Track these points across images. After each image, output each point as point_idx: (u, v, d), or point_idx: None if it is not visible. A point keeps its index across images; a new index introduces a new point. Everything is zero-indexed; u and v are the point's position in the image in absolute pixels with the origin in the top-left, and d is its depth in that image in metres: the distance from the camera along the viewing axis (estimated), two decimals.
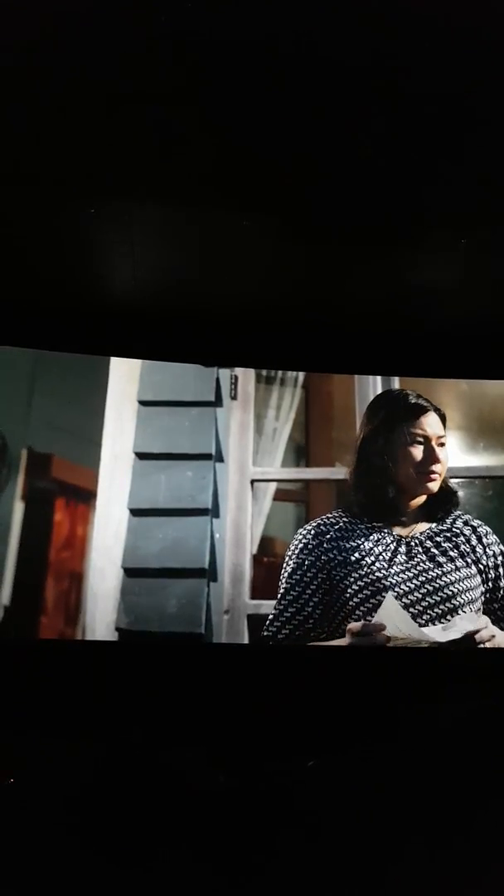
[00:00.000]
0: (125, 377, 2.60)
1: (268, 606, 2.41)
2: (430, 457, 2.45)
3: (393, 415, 2.53)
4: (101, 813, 1.84)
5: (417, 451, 2.46)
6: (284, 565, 2.39)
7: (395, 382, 2.72)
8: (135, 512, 2.48)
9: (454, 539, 2.44)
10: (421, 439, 2.47)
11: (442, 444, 2.49)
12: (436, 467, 2.46)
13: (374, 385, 2.71)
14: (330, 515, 2.47)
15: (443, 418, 2.53)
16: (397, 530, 2.45)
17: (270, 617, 2.33)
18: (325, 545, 2.39)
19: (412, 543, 2.43)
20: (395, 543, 2.42)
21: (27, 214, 2.19)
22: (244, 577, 2.48)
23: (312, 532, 2.42)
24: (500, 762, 1.95)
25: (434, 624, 2.32)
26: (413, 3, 1.53)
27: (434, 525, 2.46)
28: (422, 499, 2.46)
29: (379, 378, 2.72)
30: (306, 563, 2.37)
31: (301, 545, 2.39)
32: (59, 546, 2.43)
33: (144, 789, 1.90)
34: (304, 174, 2.02)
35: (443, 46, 1.63)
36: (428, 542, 2.43)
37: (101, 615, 2.37)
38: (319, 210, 2.16)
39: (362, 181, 2.03)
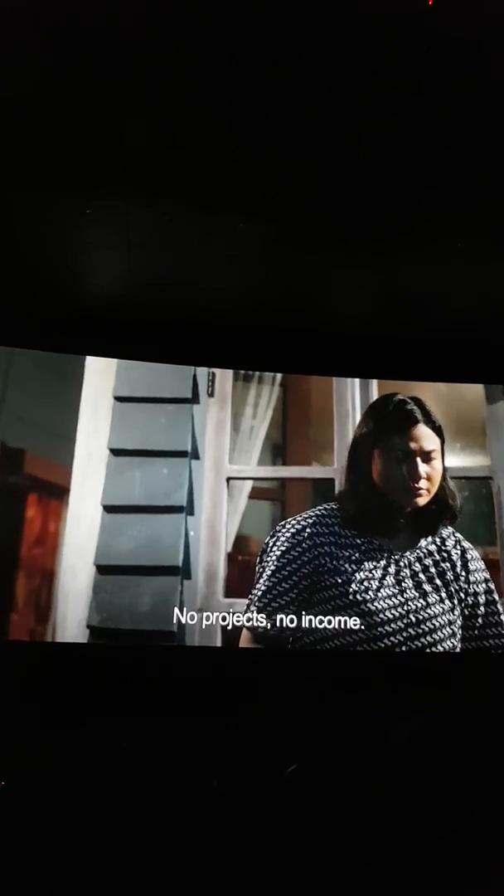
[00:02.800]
0: (101, 373, 2.58)
1: (241, 605, 2.40)
2: (414, 473, 2.42)
3: (382, 426, 2.51)
4: (80, 815, 1.80)
5: (403, 467, 2.44)
6: (270, 548, 2.39)
7: (374, 383, 2.72)
8: (108, 509, 2.45)
9: (442, 564, 2.43)
10: (404, 454, 2.44)
11: (431, 458, 2.44)
12: (421, 483, 2.42)
13: (353, 385, 2.71)
14: (325, 511, 2.46)
15: (437, 430, 2.49)
16: (389, 544, 2.44)
17: (252, 597, 2.35)
18: (318, 548, 2.40)
19: (402, 565, 2.41)
20: (384, 563, 2.40)
21: (21, 214, 2.16)
22: (218, 576, 2.46)
23: (308, 531, 2.42)
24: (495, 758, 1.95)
25: (410, 645, 2.33)
26: (412, 4, 1.53)
27: (426, 543, 2.45)
28: (415, 510, 2.45)
29: (357, 379, 2.72)
30: (297, 562, 2.38)
31: (293, 542, 2.39)
32: (30, 543, 2.39)
33: (146, 792, 1.86)
34: (299, 177, 2.01)
35: (442, 47, 1.63)
36: (417, 564, 2.42)
37: (72, 613, 2.34)
38: (304, 213, 2.14)
39: (351, 184, 2.02)
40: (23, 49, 1.63)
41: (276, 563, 2.38)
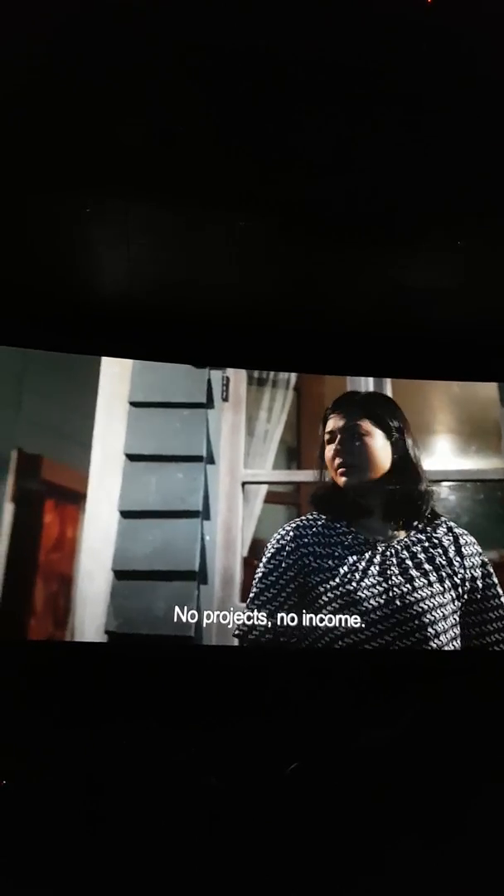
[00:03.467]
0: (116, 378, 2.59)
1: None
2: (334, 451, 2.46)
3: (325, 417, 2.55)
4: (92, 814, 1.82)
5: (329, 449, 2.48)
6: (261, 565, 2.41)
7: (388, 384, 2.72)
8: (125, 514, 2.46)
9: (431, 550, 2.43)
10: (328, 436, 2.49)
11: (354, 436, 2.45)
12: (340, 460, 2.44)
13: (367, 387, 2.70)
14: (308, 517, 2.48)
15: (365, 405, 2.51)
16: (373, 536, 2.44)
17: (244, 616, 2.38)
18: (301, 549, 2.41)
19: (388, 554, 2.41)
20: (369, 553, 2.41)
21: (20, 213, 2.18)
22: (234, 580, 2.47)
23: (291, 534, 2.44)
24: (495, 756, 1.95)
25: (404, 641, 2.33)
26: (412, 4, 1.53)
27: (413, 532, 2.45)
28: (378, 498, 2.45)
29: (371, 381, 2.72)
30: (283, 565, 2.40)
31: (278, 546, 2.42)
32: (48, 548, 2.41)
33: (136, 790, 1.88)
34: (300, 174, 2.01)
35: (442, 47, 1.62)
36: (405, 552, 2.42)
37: (90, 618, 2.35)
38: (313, 211, 2.15)
39: (357, 182, 2.03)
40: (23, 49, 1.64)
41: (262, 568, 2.41)
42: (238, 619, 2.40)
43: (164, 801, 1.78)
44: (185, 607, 2.39)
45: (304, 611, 2.39)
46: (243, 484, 2.58)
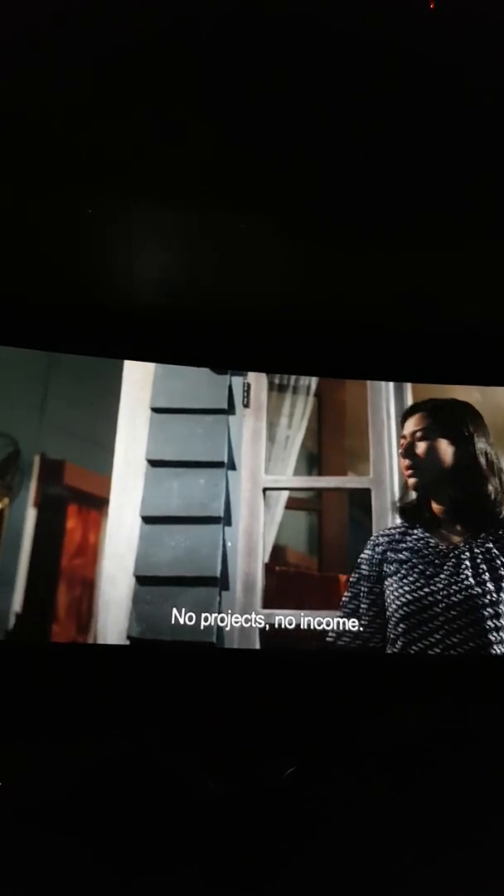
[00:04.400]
0: (138, 383, 2.60)
1: (280, 616, 2.42)
2: (403, 454, 2.55)
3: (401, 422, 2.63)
4: (106, 818, 1.83)
5: (401, 453, 2.57)
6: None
7: (408, 389, 2.72)
8: (147, 519, 2.47)
9: (499, 555, 2.44)
10: (401, 440, 2.58)
11: (416, 438, 2.53)
12: (407, 461, 2.53)
13: (387, 393, 2.70)
14: (392, 527, 2.54)
15: (433, 410, 2.57)
16: (444, 541, 2.46)
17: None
18: (376, 556, 2.46)
19: (461, 556, 2.43)
20: (436, 556, 2.43)
21: (38, 216, 2.19)
22: (256, 586, 2.47)
23: (372, 543, 2.50)
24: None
25: (468, 645, 2.33)
26: (415, 2, 1.53)
27: (484, 536, 2.47)
28: (448, 503, 2.48)
29: (392, 386, 2.71)
30: (361, 571, 2.47)
31: (363, 556, 2.49)
32: (71, 553, 2.42)
33: (151, 795, 1.89)
34: (308, 174, 2.02)
35: (444, 47, 1.62)
36: (472, 556, 2.43)
37: (112, 623, 2.36)
38: (328, 210, 2.15)
39: (370, 181, 2.02)
40: (23, 48, 1.65)
41: (351, 577, 2.48)
42: (259, 623, 2.41)
43: (178, 806, 1.79)
44: (207, 613, 2.39)
45: (373, 618, 2.43)
46: (264, 490, 2.59)
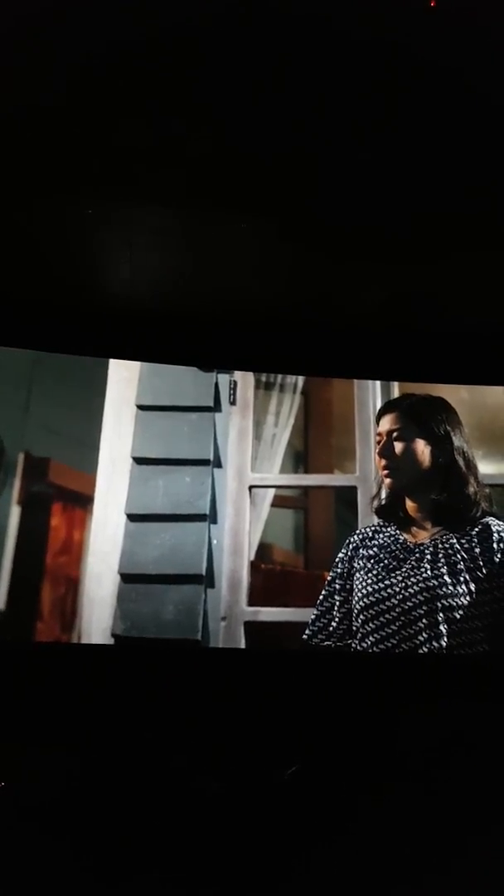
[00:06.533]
0: (124, 381, 2.59)
1: (266, 613, 2.42)
2: (380, 453, 2.46)
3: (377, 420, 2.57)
4: (94, 818, 1.82)
5: (376, 451, 2.48)
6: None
7: (395, 388, 2.71)
8: (132, 517, 2.46)
9: (471, 550, 2.38)
10: (377, 438, 2.49)
11: (396, 438, 2.44)
12: (384, 462, 2.44)
13: (374, 391, 2.70)
14: (369, 525, 2.50)
15: (409, 409, 2.49)
16: (412, 536, 2.43)
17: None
18: (349, 553, 2.43)
19: (424, 551, 2.39)
20: (402, 551, 2.40)
21: (26, 216, 2.19)
22: (242, 584, 2.46)
23: (347, 541, 2.47)
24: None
25: (425, 634, 2.30)
26: (415, 2, 1.53)
27: (452, 532, 2.41)
28: (424, 501, 2.43)
29: (378, 385, 2.71)
30: (336, 570, 2.43)
31: (340, 554, 2.45)
32: (55, 551, 2.41)
33: (140, 794, 1.88)
34: (303, 176, 2.02)
35: (444, 47, 1.62)
36: (441, 548, 2.38)
37: (97, 621, 2.35)
38: (318, 212, 2.15)
39: (361, 182, 2.03)
40: (23, 49, 1.65)
41: (329, 573, 2.44)
42: (244, 621, 2.40)
43: (167, 805, 1.78)
44: (193, 611, 2.38)
45: (346, 615, 2.39)
46: (251, 488, 2.58)
